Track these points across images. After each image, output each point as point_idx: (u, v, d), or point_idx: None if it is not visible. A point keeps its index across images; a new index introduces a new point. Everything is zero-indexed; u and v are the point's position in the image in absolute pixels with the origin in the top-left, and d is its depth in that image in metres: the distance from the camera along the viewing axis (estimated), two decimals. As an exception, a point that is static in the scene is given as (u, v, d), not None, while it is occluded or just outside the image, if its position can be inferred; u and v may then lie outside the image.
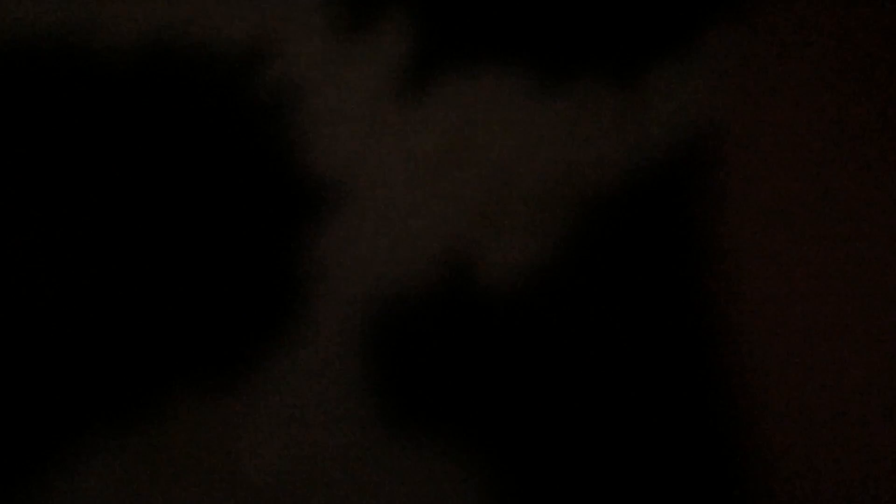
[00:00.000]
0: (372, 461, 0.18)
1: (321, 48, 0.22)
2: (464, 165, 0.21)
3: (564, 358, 0.19)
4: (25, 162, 0.20)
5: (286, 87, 0.21)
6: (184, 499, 0.18)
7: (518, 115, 0.21)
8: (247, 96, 0.21)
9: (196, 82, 0.21)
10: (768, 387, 0.15)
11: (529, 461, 0.18)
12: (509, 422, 0.18)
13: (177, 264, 0.20)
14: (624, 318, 0.19)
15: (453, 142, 0.21)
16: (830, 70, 0.17)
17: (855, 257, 0.15)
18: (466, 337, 0.19)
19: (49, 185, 0.20)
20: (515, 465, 0.18)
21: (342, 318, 0.19)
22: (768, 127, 0.17)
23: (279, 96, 0.21)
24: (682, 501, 0.17)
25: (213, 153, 0.21)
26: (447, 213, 0.20)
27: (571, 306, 0.19)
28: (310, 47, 0.22)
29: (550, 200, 0.20)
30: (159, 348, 0.19)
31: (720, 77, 0.17)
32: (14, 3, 0.22)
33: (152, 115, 0.21)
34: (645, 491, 0.18)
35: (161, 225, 0.20)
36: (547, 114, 0.21)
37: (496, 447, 0.18)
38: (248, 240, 0.20)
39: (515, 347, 0.19)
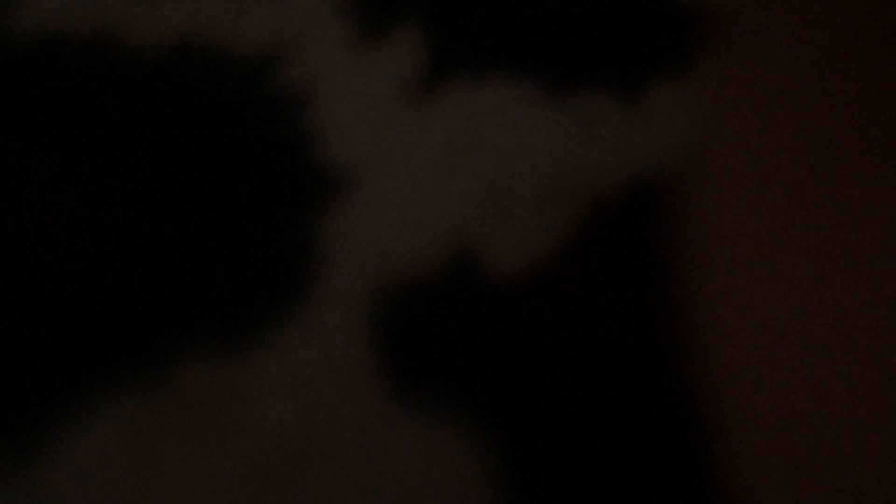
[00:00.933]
0: (377, 426, 0.19)
1: (337, 52, 0.23)
2: (471, 163, 0.21)
3: (559, 337, 0.19)
4: (59, 152, 0.21)
5: (303, 87, 0.22)
6: (191, 454, 0.18)
7: (524, 120, 0.22)
8: (265, 94, 0.22)
9: (217, 80, 0.22)
10: (741, 388, 0.16)
11: (530, 428, 0.19)
12: (509, 392, 0.19)
13: (200, 237, 0.20)
14: (616, 307, 0.20)
15: (462, 141, 0.22)
16: (805, 97, 0.17)
17: (826, 267, 0.16)
18: (469, 315, 0.20)
19: (82, 167, 0.21)
20: (517, 432, 0.19)
21: (352, 293, 0.20)
22: (746, 149, 0.17)
23: (296, 95, 0.22)
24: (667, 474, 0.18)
25: (232, 144, 0.21)
26: (454, 205, 0.21)
27: (569, 294, 0.20)
28: (326, 51, 0.23)
29: (553, 199, 0.21)
30: (179, 307, 0.20)
31: (706, 98, 0.18)
32: (47, 6, 0.23)
33: (176, 110, 0.22)
34: (634, 464, 0.18)
35: (187, 203, 0.21)
36: (552, 120, 0.22)
37: (499, 415, 0.19)
38: (264, 218, 0.21)
39: (515, 325, 0.20)
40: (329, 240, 0.20)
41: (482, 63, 0.22)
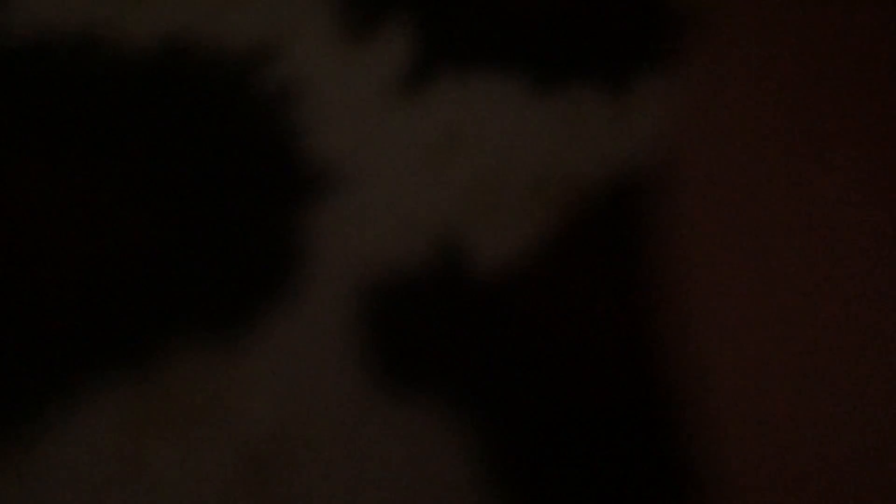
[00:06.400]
0: (364, 418, 0.19)
1: (326, 48, 0.23)
2: (459, 157, 0.21)
3: (543, 330, 0.20)
4: (50, 150, 0.21)
5: (292, 82, 0.22)
6: (179, 446, 0.19)
7: (511, 114, 0.22)
8: (254, 91, 0.22)
9: (207, 77, 0.22)
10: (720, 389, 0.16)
11: (514, 418, 0.19)
12: (493, 384, 0.19)
13: (188, 233, 0.20)
14: (599, 302, 0.20)
15: (449, 135, 0.22)
16: (792, 94, 0.18)
17: (811, 266, 0.16)
18: (454, 308, 0.20)
19: (73, 165, 0.21)
20: (502, 423, 0.19)
21: (338, 287, 0.20)
22: (730, 145, 0.18)
23: (284, 91, 0.22)
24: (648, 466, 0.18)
25: (221, 140, 0.22)
26: (442, 198, 0.21)
27: (553, 288, 0.20)
28: (314, 48, 0.23)
29: (539, 194, 0.21)
30: (168, 302, 0.20)
31: (690, 94, 0.19)
32: (41, 6, 0.23)
33: (166, 107, 0.22)
34: (615, 453, 0.19)
35: (175, 199, 0.21)
36: (538, 115, 0.22)
37: (484, 406, 0.19)
38: (252, 213, 0.21)
39: (500, 319, 0.20)
40: (316, 234, 0.21)
41: (469, 59, 0.23)
